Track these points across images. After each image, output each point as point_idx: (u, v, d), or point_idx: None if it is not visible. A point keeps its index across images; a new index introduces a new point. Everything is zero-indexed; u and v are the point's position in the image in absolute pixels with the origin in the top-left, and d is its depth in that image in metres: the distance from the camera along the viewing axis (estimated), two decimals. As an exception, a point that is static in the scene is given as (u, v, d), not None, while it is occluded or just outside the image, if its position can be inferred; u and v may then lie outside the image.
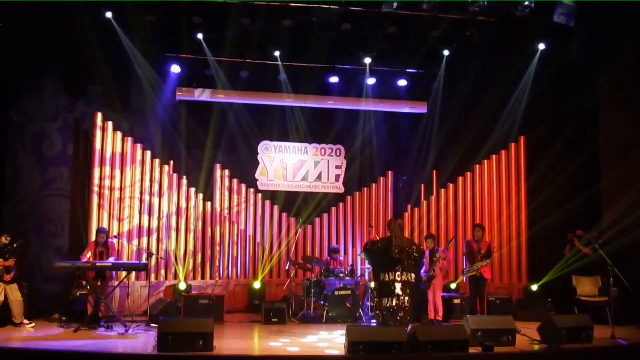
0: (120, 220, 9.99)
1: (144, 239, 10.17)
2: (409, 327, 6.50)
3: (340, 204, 11.55)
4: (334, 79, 10.99)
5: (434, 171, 11.49)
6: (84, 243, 9.27)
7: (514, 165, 11.09)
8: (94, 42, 9.63)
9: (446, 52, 10.53)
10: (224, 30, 9.80)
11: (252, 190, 11.18)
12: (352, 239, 11.44)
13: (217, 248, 10.73)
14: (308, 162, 11.58)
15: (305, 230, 11.23)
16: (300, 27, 9.74)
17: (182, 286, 9.89)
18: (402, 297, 6.53)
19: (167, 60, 10.36)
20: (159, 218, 10.36)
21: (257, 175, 11.37)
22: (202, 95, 10.77)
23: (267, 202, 11.23)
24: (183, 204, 10.57)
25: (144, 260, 9.46)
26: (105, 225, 9.59)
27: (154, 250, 10.03)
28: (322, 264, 9.80)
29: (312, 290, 9.33)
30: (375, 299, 7.02)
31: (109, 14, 9.29)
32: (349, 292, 9.08)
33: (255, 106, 11.21)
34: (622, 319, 8.67)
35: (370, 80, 11.06)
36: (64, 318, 8.66)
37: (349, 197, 11.59)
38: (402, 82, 11.16)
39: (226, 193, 10.98)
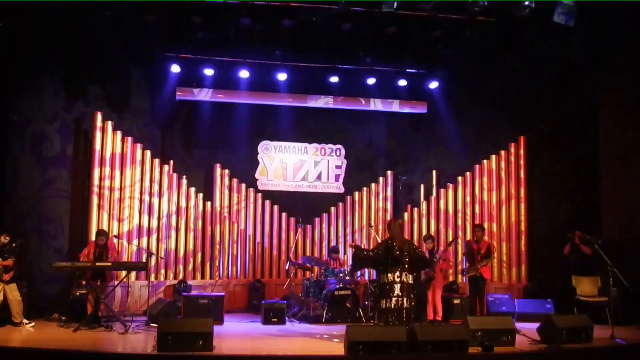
0: (120, 220, 10.00)
1: (144, 239, 10.17)
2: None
3: (340, 204, 11.56)
4: (334, 79, 11.00)
5: (434, 171, 11.50)
6: (84, 243, 9.28)
7: (514, 165, 11.09)
8: (93, 42, 9.65)
9: (446, 52, 10.51)
10: (224, 30, 9.79)
11: (252, 190, 11.19)
12: (352, 239, 11.44)
13: (217, 248, 10.74)
14: (308, 162, 11.58)
15: (305, 230, 11.23)
16: (300, 27, 9.73)
17: (182, 286, 9.88)
18: (401, 298, 6.55)
19: (167, 60, 10.36)
20: (158, 218, 10.36)
21: (257, 175, 11.37)
22: (202, 95, 10.78)
23: (267, 202, 11.24)
24: (183, 203, 10.57)
25: (144, 260, 9.45)
26: (105, 225, 9.61)
27: (154, 250, 10.04)
28: (322, 264, 9.80)
29: (312, 290, 9.33)
30: (374, 299, 7.02)
31: (108, 14, 9.27)
32: (348, 292, 9.08)
33: (255, 106, 11.21)
34: (621, 319, 8.67)
35: (370, 80, 11.07)
36: (63, 318, 8.66)
37: (349, 197, 11.59)
38: (402, 82, 11.17)
39: (226, 193, 10.99)
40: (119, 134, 10.12)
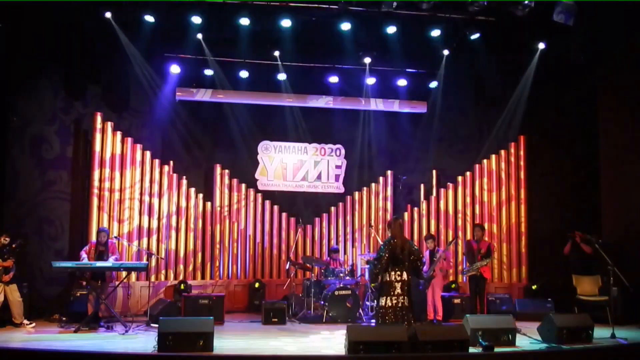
0: (120, 221, 10.00)
1: (144, 240, 10.17)
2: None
3: (340, 204, 11.56)
4: (334, 79, 11.00)
5: (434, 171, 11.50)
6: (84, 245, 9.24)
7: (514, 165, 11.09)
8: (93, 42, 9.65)
9: (446, 52, 10.53)
10: (224, 30, 9.80)
11: (252, 190, 11.19)
12: (352, 239, 11.45)
13: (217, 248, 10.74)
14: (308, 162, 11.58)
15: (305, 230, 11.24)
16: (300, 27, 9.74)
17: (182, 286, 9.88)
18: (402, 297, 6.59)
19: (167, 60, 10.37)
20: (159, 218, 10.36)
21: (257, 175, 11.37)
22: (202, 95, 10.78)
23: (267, 202, 11.24)
24: (183, 204, 10.57)
25: (144, 261, 9.45)
26: (105, 226, 9.59)
27: (154, 251, 10.03)
28: (322, 264, 9.80)
29: (312, 290, 9.33)
30: (375, 298, 7.03)
31: (108, 14, 9.29)
32: (349, 292, 9.08)
33: (255, 106, 11.21)
34: (622, 319, 8.67)
35: (370, 80, 11.07)
36: (64, 318, 8.67)
37: (349, 197, 11.59)
38: (402, 82, 11.18)
39: (226, 193, 10.99)
40: (118, 134, 10.13)
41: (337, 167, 11.71)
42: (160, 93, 10.57)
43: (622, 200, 9.65)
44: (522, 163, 11.05)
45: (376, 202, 11.61)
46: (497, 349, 6.56)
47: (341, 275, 9.39)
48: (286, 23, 9.55)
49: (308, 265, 9.97)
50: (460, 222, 11.16)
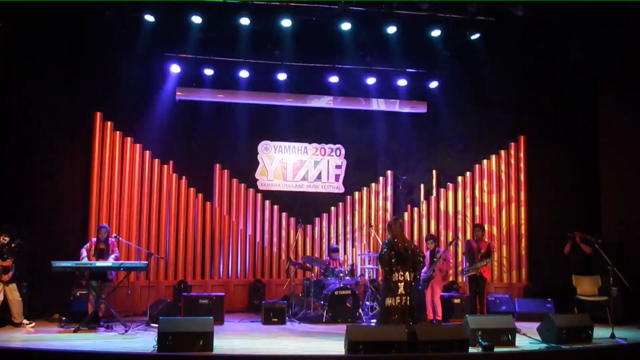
0: (120, 220, 10.00)
1: (144, 239, 10.17)
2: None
3: (340, 204, 11.56)
4: (334, 79, 10.99)
5: (434, 171, 11.50)
6: (84, 244, 9.25)
7: (514, 166, 11.09)
8: (93, 43, 9.65)
9: (446, 52, 10.52)
10: (224, 30, 9.80)
11: (252, 190, 11.19)
12: (352, 239, 11.45)
13: (217, 248, 10.74)
14: (308, 162, 11.58)
15: (305, 230, 11.24)
16: (300, 27, 9.74)
17: (182, 286, 9.88)
18: (405, 297, 6.63)
19: (167, 60, 10.36)
20: (159, 218, 10.36)
21: (257, 175, 11.37)
22: (202, 95, 10.78)
23: (267, 202, 11.24)
24: (183, 204, 10.57)
25: (144, 261, 9.45)
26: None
27: (154, 251, 10.03)
28: (322, 263, 9.81)
29: (312, 290, 9.34)
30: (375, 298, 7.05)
31: (108, 14, 9.28)
32: (349, 292, 9.08)
33: (255, 106, 11.20)
34: (622, 319, 8.68)
35: (370, 80, 11.07)
36: (64, 318, 8.67)
37: (349, 197, 11.59)
38: (402, 82, 11.17)
39: (226, 193, 10.99)
40: (119, 134, 10.13)
41: (337, 167, 11.71)
42: (161, 92, 10.58)
43: (622, 200, 9.65)
44: (522, 163, 11.04)
45: (376, 202, 11.61)
46: (496, 349, 6.57)
47: (341, 275, 9.39)
48: (286, 23, 9.55)
49: (308, 265, 9.97)
50: (460, 223, 11.16)
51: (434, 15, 9.46)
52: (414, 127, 11.68)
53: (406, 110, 11.58)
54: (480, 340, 6.66)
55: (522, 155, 11.08)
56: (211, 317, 6.88)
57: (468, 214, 11.13)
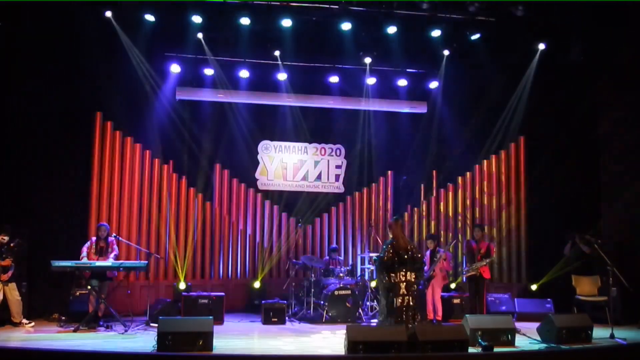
0: (120, 220, 10.00)
1: (144, 239, 10.17)
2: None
3: (340, 204, 11.55)
4: (334, 79, 10.99)
5: (434, 171, 11.50)
6: (84, 244, 9.25)
7: (514, 165, 11.09)
8: (93, 43, 9.64)
9: (446, 52, 10.53)
10: (224, 30, 9.81)
11: (252, 190, 11.19)
12: (352, 239, 11.45)
13: (217, 248, 10.74)
14: (308, 162, 11.57)
15: (305, 230, 11.23)
16: (300, 27, 9.75)
17: (182, 286, 9.88)
18: (407, 297, 6.62)
19: (167, 60, 10.36)
20: (159, 218, 10.36)
21: (257, 175, 11.37)
22: (202, 95, 10.78)
23: (267, 202, 11.24)
24: (183, 204, 10.57)
25: (143, 260, 9.45)
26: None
27: (154, 250, 10.03)
28: (322, 263, 9.80)
29: (312, 290, 9.33)
30: (381, 298, 7.05)
31: (108, 14, 9.30)
32: (348, 292, 9.08)
33: (256, 106, 11.20)
34: (621, 319, 8.68)
35: (370, 80, 11.07)
36: (63, 318, 8.67)
37: (349, 197, 11.59)
38: (402, 82, 11.17)
39: (226, 193, 10.99)
40: (119, 134, 10.13)
41: (337, 167, 11.71)
42: (161, 92, 10.57)
43: (622, 200, 9.66)
44: (521, 164, 11.05)
45: (376, 202, 11.60)
46: (496, 349, 6.57)
47: (341, 275, 9.39)
48: (286, 23, 9.55)
49: (308, 265, 9.97)
50: (460, 224, 11.15)
51: (434, 15, 9.47)
52: (414, 127, 11.67)
53: (406, 110, 11.58)
54: (480, 340, 6.66)
55: (521, 155, 11.08)
56: (211, 317, 6.88)
57: (468, 215, 11.13)
